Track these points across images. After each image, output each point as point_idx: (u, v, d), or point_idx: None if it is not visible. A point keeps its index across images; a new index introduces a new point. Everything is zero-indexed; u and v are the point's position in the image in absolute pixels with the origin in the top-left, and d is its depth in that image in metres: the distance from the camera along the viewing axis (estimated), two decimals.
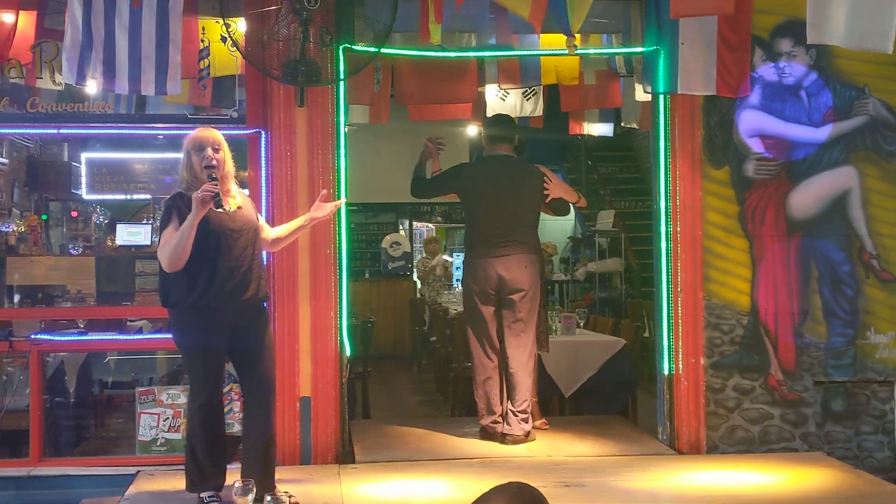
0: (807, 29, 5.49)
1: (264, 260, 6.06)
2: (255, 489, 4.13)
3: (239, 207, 5.27)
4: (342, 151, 6.52)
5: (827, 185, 6.84)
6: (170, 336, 5.42)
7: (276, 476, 5.37)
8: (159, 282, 5.31)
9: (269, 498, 4.14)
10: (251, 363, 5.29)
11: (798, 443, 6.75)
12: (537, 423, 7.08)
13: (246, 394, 5.37)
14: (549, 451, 6.60)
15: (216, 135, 5.25)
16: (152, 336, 7.26)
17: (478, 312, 6.87)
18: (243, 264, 5.18)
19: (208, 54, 6.70)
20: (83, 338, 6.86)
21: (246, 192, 6.55)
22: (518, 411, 6.68)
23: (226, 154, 5.24)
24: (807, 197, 6.82)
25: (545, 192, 6.90)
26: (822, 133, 6.83)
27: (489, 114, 9.62)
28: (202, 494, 5.20)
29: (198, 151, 5.17)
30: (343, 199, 6.13)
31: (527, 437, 6.69)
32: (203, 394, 5.18)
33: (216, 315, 5.14)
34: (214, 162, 5.12)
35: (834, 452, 6.65)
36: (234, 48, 6.23)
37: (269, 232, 5.56)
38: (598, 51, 8.27)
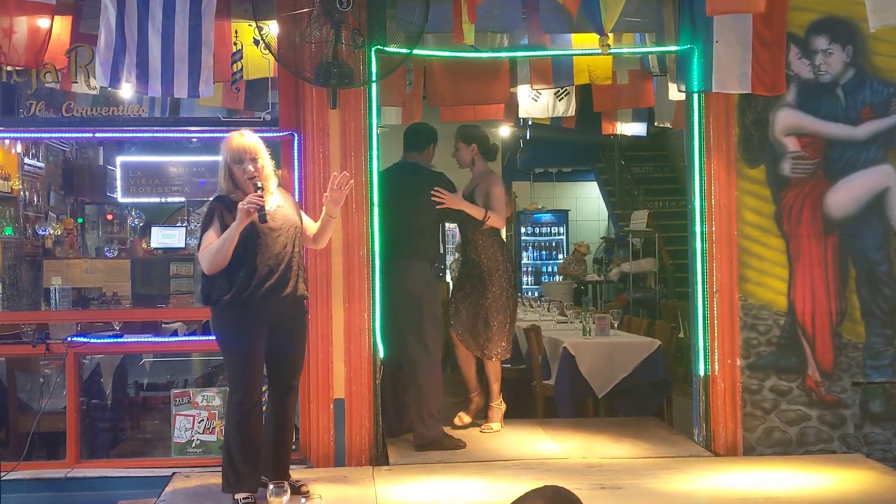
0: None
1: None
2: (289, 491, 4.14)
3: (279, 206, 5.30)
4: (374, 153, 6.52)
5: (864, 184, 6.76)
6: (203, 338, 5.46)
7: (310, 477, 5.40)
8: (202, 281, 5.39)
9: (271, 486, 4.12)
10: (283, 358, 5.34)
11: (836, 444, 6.68)
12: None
13: (270, 383, 5.43)
14: (585, 453, 6.57)
15: (253, 143, 5.28)
16: (187, 338, 7.29)
17: None
18: (282, 262, 5.22)
19: (241, 57, 6.73)
20: (119, 340, 6.90)
21: None
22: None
23: (264, 159, 5.28)
24: (844, 196, 6.74)
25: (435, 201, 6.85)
26: (860, 131, 6.75)
27: (522, 115, 9.63)
28: (237, 496, 5.21)
29: (237, 164, 5.23)
30: (351, 176, 5.64)
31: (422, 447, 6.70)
32: (239, 392, 5.23)
33: (254, 312, 5.19)
34: (257, 176, 5.17)
35: (873, 454, 6.57)
36: (267, 51, 6.24)
37: (310, 229, 5.58)
38: (632, 50, 8.22)
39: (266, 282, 5.17)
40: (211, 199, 5.41)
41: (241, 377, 5.23)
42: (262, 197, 5.07)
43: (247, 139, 5.29)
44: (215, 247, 5.08)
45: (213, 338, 5.36)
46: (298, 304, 5.41)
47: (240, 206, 5.04)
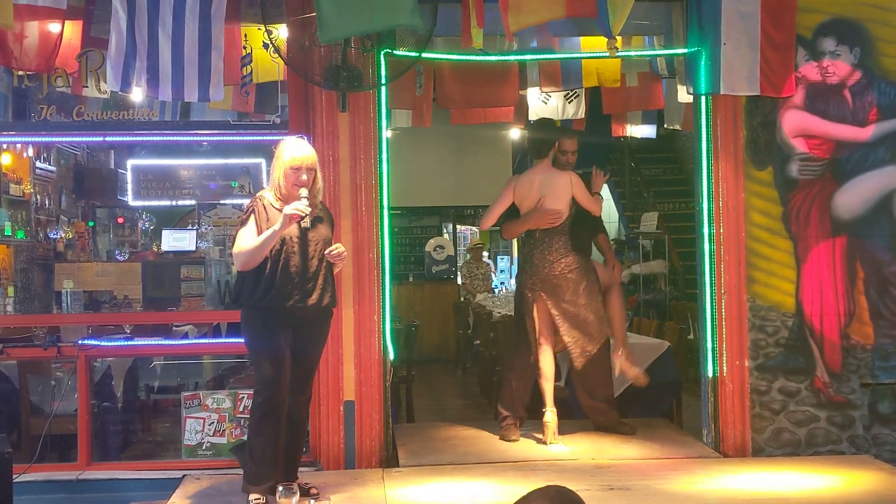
0: None
1: None
2: (298, 492, 4.16)
3: (318, 219, 5.38)
4: (384, 156, 6.54)
5: (872, 185, 6.76)
6: (213, 341, 5.49)
7: (320, 480, 5.41)
8: (234, 282, 5.46)
9: (281, 488, 4.16)
10: (300, 360, 5.37)
11: (845, 445, 6.68)
12: None
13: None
14: (594, 454, 6.58)
15: (312, 156, 5.34)
16: (198, 341, 7.31)
17: None
18: (308, 271, 5.27)
19: (251, 61, 6.76)
20: (130, 343, 6.93)
21: None
22: None
23: (317, 173, 5.35)
24: (852, 197, 6.75)
25: None
26: (867, 132, 6.75)
27: (531, 117, 9.64)
28: (251, 497, 5.23)
29: (294, 170, 5.26)
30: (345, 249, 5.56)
31: None
32: (265, 392, 5.27)
33: (278, 316, 5.24)
34: (306, 186, 5.21)
35: (882, 455, 6.57)
36: (277, 54, 6.27)
37: None
38: (640, 53, 8.22)
39: (292, 289, 5.23)
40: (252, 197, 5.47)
41: (268, 378, 5.27)
42: (308, 205, 5.13)
43: (305, 150, 5.35)
44: (252, 247, 5.15)
45: (230, 340, 5.40)
46: (324, 313, 5.46)
47: (285, 210, 5.11)
